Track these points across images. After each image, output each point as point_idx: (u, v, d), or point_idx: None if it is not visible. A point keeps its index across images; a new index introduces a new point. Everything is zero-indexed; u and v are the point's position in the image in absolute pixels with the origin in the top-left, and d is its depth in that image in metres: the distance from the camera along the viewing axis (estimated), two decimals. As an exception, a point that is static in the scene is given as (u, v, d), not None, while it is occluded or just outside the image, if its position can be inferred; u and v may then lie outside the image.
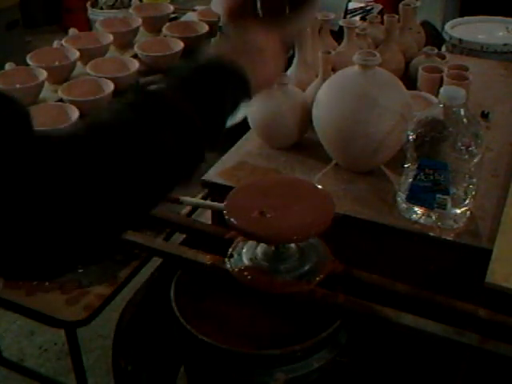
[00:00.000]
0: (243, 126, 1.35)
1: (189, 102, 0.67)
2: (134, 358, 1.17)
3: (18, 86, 1.59)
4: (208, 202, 1.23)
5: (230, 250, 1.06)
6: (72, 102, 1.50)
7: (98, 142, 0.60)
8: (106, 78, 1.59)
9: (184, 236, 1.20)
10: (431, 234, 1.10)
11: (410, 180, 1.09)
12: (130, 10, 2.09)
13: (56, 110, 1.48)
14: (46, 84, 1.63)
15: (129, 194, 0.61)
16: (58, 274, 0.62)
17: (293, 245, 1.04)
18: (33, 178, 0.55)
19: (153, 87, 0.69)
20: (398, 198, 1.15)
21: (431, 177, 1.06)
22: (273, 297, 1.02)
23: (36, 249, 0.56)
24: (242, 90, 0.76)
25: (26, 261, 0.57)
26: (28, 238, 0.55)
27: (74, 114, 1.44)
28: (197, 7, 2.17)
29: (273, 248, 1.03)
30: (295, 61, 1.45)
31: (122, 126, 0.63)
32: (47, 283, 1.14)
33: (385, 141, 1.18)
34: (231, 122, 0.78)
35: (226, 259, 1.04)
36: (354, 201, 1.19)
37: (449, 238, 1.09)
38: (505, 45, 1.83)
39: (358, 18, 2.09)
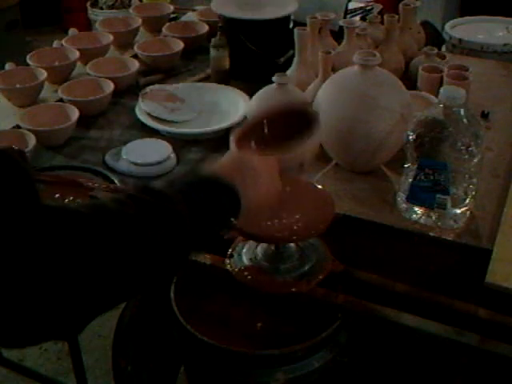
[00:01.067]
0: (243, 126, 1.35)
1: (184, 209, 0.72)
2: (134, 358, 1.17)
3: (17, 85, 1.59)
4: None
5: (230, 250, 1.06)
6: (72, 102, 1.49)
7: (98, 224, 0.63)
8: (105, 77, 1.59)
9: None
10: (431, 233, 1.10)
11: (410, 180, 1.09)
12: (130, 10, 2.09)
13: (56, 110, 1.48)
14: (46, 84, 1.63)
15: (114, 277, 0.63)
16: (33, 342, 0.63)
17: (293, 245, 1.04)
18: (34, 246, 0.57)
19: (156, 187, 0.74)
20: (398, 198, 1.15)
21: (431, 177, 1.06)
22: (273, 297, 1.02)
23: (28, 315, 0.57)
24: (232, 207, 0.81)
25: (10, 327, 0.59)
26: (19, 303, 0.57)
27: (74, 114, 1.44)
28: (197, 7, 2.17)
29: (273, 248, 1.03)
30: (295, 61, 1.45)
31: (121, 214, 0.66)
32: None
33: (385, 141, 1.18)
34: (220, 232, 0.84)
35: (226, 259, 1.04)
36: (354, 201, 1.19)
37: (449, 238, 1.09)
38: (505, 45, 1.83)
39: (358, 17, 2.09)
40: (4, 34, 3.44)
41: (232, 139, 0.98)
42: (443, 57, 1.59)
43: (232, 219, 0.82)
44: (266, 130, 0.98)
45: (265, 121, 0.99)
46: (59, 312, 0.59)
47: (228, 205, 0.80)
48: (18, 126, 1.41)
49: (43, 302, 0.57)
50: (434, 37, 1.98)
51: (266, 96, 1.31)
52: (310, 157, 1.14)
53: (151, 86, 1.56)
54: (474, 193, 1.10)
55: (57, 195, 1.17)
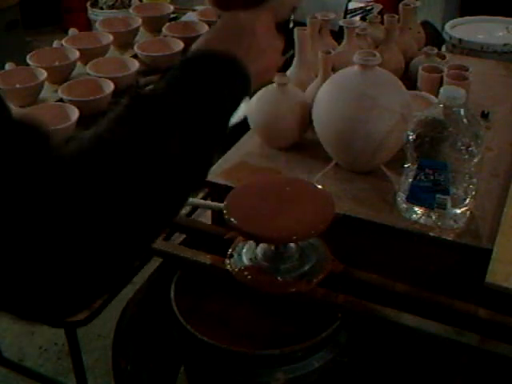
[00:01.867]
0: (243, 126, 1.35)
1: (189, 104, 0.63)
2: (134, 357, 1.17)
3: (17, 85, 1.59)
4: (208, 202, 1.23)
5: (230, 250, 1.06)
6: (72, 102, 1.49)
7: (105, 158, 0.57)
8: (105, 77, 1.59)
9: (184, 236, 1.20)
10: (431, 233, 1.10)
11: (410, 180, 1.09)
12: (130, 10, 2.09)
13: (56, 110, 1.48)
14: (46, 84, 1.63)
15: (143, 208, 0.57)
16: (72, 310, 0.56)
17: (293, 245, 1.04)
18: (46, 200, 0.52)
19: (149, 89, 0.65)
20: (398, 198, 1.15)
21: (431, 177, 1.06)
22: (273, 297, 1.02)
23: (51, 274, 0.52)
24: (241, 82, 0.68)
25: (42, 292, 0.53)
26: (42, 262, 0.51)
27: (74, 114, 1.44)
28: (197, 7, 2.17)
29: (273, 248, 1.03)
30: (295, 61, 1.45)
31: (126, 136, 0.59)
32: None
33: (385, 141, 1.18)
34: (232, 119, 0.70)
35: (226, 259, 1.04)
36: (354, 201, 1.19)
37: (449, 238, 1.09)
38: (505, 45, 1.83)
39: (358, 17, 2.09)
40: (4, 34, 3.44)
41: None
42: (443, 57, 1.59)
43: (244, 95, 0.69)
44: None
45: None
46: (91, 259, 0.53)
47: (234, 80, 0.67)
48: (17, 126, 1.40)
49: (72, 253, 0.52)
50: (434, 37, 1.98)
51: (266, 96, 1.31)
52: None
53: (151, 86, 1.56)
54: (474, 193, 1.10)
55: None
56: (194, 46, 0.71)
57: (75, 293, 0.54)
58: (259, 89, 1.24)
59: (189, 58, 0.68)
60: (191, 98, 0.63)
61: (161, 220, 0.61)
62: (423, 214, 1.11)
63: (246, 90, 0.70)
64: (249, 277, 1.01)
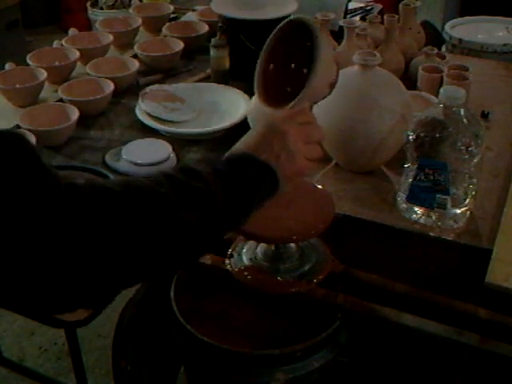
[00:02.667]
0: (243, 126, 1.35)
1: (218, 189, 0.71)
2: (134, 357, 1.17)
3: (17, 86, 1.59)
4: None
5: (230, 250, 1.06)
6: (72, 102, 1.49)
7: (131, 202, 0.63)
8: (106, 77, 1.59)
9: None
10: (431, 234, 1.10)
11: (410, 180, 1.09)
12: (130, 10, 2.09)
13: (56, 110, 1.48)
14: (46, 84, 1.63)
15: (144, 254, 0.64)
16: (60, 310, 0.66)
17: (293, 245, 1.04)
18: (56, 224, 0.57)
19: (192, 167, 0.72)
20: (398, 198, 1.15)
21: (431, 177, 1.06)
22: (273, 297, 1.02)
23: (47, 287, 0.59)
24: (269, 185, 0.78)
25: (38, 296, 0.60)
26: (44, 275, 0.58)
27: (74, 114, 1.44)
28: (197, 7, 2.17)
29: (273, 248, 1.03)
30: (295, 61, 1.45)
31: (154, 192, 0.65)
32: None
33: (385, 141, 1.18)
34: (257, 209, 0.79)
35: (226, 259, 1.04)
36: (354, 201, 1.19)
37: (449, 238, 1.09)
38: (505, 45, 1.83)
39: (357, 17, 2.09)
40: (4, 34, 3.44)
41: (257, 95, 0.90)
42: (443, 57, 1.60)
43: (271, 193, 0.79)
44: (277, 73, 0.90)
45: (271, 66, 0.92)
46: (89, 282, 0.60)
47: (264, 182, 0.77)
48: (18, 126, 1.41)
49: (72, 273, 0.58)
50: (434, 37, 1.98)
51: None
52: (335, 70, 0.93)
53: (151, 86, 1.56)
54: (473, 193, 1.10)
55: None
56: (236, 147, 0.81)
57: (67, 295, 0.61)
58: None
59: (231, 157, 0.78)
60: (227, 191, 0.72)
61: (147, 268, 0.67)
62: (423, 214, 1.11)
63: (272, 191, 0.79)
64: (249, 277, 1.01)
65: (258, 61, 0.92)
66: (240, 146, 0.81)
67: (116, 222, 0.61)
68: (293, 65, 0.91)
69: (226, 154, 0.79)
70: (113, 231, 0.60)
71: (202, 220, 0.68)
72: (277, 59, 0.92)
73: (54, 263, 0.57)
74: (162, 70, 1.74)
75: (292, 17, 0.92)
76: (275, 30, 0.91)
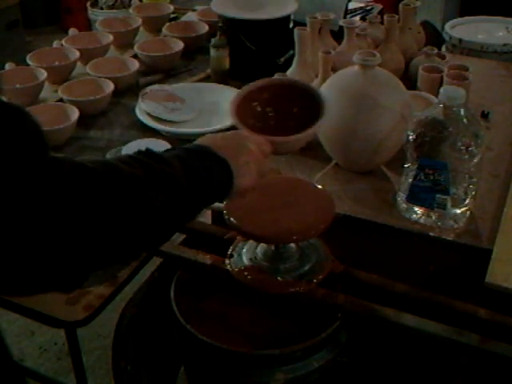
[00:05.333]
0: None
1: (181, 174, 0.74)
2: (134, 357, 1.17)
3: (17, 86, 1.59)
4: (208, 202, 1.23)
5: (230, 250, 1.06)
6: (72, 102, 1.49)
7: (109, 183, 0.65)
8: (105, 77, 1.59)
9: (184, 236, 1.20)
10: (431, 234, 1.10)
11: (410, 180, 1.09)
12: (130, 10, 2.09)
13: (56, 110, 1.48)
14: (46, 84, 1.63)
15: (120, 234, 0.67)
16: (34, 290, 0.66)
17: (293, 245, 1.04)
18: (40, 198, 0.58)
19: (156, 152, 0.76)
20: (398, 198, 1.15)
21: (431, 177, 1.06)
22: (273, 297, 1.02)
23: (30, 263, 0.60)
24: (225, 182, 0.81)
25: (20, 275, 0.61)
26: (26, 250, 0.58)
27: (74, 114, 1.44)
28: (197, 7, 2.17)
29: (273, 248, 1.03)
30: (295, 61, 1.45)
31: (132, 176, 0.68)
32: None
33: (385, 141, 1.18)
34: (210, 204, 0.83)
35: (226, 259, 1.04)
36: (354, 201, 1.19)
37: (449, 238, 1.09)
38: (505, 45, 1.83)
39: (358, 17, 2.09)
40: (4, 34, 3.44)
41: (231, 105, 0.94)
42: (443, 57, 1.60)
43: (223, 194, 0.82)
44: (266, 106, 0.95)
45: (266, 94, 0.96)
46: (64, 261, 0.61)
47: (221, 178, 0.80)
48: (17, 126, 1.40)
49: (50, 250, 0.59)
50: (434, 37, 1.98)
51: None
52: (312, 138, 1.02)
53: (151, 86, 1.56)
54: (473, 193, 1.10)
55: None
56: (200, 140, 0.85)
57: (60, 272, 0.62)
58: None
59: (194, 147, 0.81)
60: (188, 176, 0.75)
61: (120, 246, 0.69)
62: (423, 214, 1.11)
63: (226, 191, 0.82)
64: (249, 277, 1.01)
65: (251, 85, 0.96)
66: (205, 140, 0.85)
67: (97, 200, 0.63)
68: (282, 108, 0.96)
69: (189, 144, 0.83)
70: (92, 209, 0.62)
71: (169, 200, 0.71)
72: (269, 96, 0.96)
73: (30, 237, 0.58)
74: (162, 70, 1.74)
75: (298, 80, 1.02)
76: (285, 79, 1.01)
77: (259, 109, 0.95)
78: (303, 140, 0.95)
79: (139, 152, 0.75)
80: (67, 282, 0.65)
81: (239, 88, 1.54)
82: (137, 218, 0.67)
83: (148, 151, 0.75)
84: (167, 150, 0.81)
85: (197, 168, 0.76)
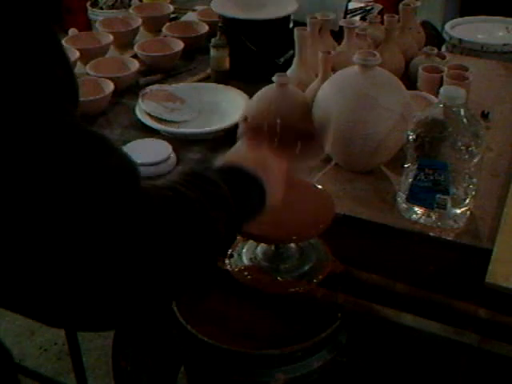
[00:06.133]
0: (243, 126, 1.35)
1: (228, 193, 0.73)
2: (134, 357, 1.17)
3: (17, 85, 1.59)
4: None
5: (230, 249, 1.06)
6: (72, 102, 1.49)
7: (187, 214, 0.64)
8: (105, 77, 1.59)
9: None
10: (431, 234, 1.10)
11: (410, 180, 1.09)
12: (130, 10, 2.09)
13: (56, 110, 1.48)
14: (46, 84, 1.63)
15: (185, 257, 0.64)
16: (107, 326, 0.65)
17: (293, 245, 1.04)
18: (132, 236, 0.56)
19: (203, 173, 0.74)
20: (398, 198, 1.15)
21: (431, 177, 1.06)
22: (273, 297, 1.02)
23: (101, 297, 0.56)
24: (260, 200, 0.80)
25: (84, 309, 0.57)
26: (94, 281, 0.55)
27: (74, 114, 1.44)
28: (197, 7, 2.17)
29: (273, 248, 1.03)
30: (295, 61, 1.45)
31: (192, 200, 0.66)
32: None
33: (385, 141, 1.18)
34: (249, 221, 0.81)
35: (226, 259, 1.04)
36: (354, 201, 1.19)
37: (449, 238, 1.09)
38: (505, 45, 1.83)
39: (358, 17, 2.09)
40: (4, 34, 3.43)
41: (243, 131, 0.97)
42: (443, 57, 1.60)
43: (259, 212, 0.81)
44: (277, 130, 0.97)
45: (278, 120, 0.99)
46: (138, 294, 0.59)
47: (260, 197, 0.80)
48: (18, 126, 1.40)
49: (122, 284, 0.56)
50: (434, 37, 1.98)
51: (266, 96, 1.31)
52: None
53: (151, 86, 1.56)
54: (473, 193, 1.10)
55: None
56: (228, 158, 0.85)
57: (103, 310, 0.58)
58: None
59: (230, 165, 0.81)
60: (233, 195, 0.74)
61: (192, 275, 0.67)
62: (423, 214, 1.11)
63: (260, 209, 0.81)
64: (249, 277, 1.01)
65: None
66: (233, 158, 0.85)
67: (183, 233, 0.62)
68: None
69: (223, 163, 0.82)
70: (173, 241, 0.61)
71: (227, 222, 0.70)
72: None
73: (114, 266, 0.55)
74: (162, 70, 1.74)
75: None
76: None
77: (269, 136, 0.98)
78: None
79: (186, 174, 0.73)
80: (136, 315, 0.63)
81: (239, 88, 1.56)
82: (207, 244, 0.66)
83: (194, 173, 0.73)
84: (202, 171, 0.78)
85: (239, 188, 0.75)
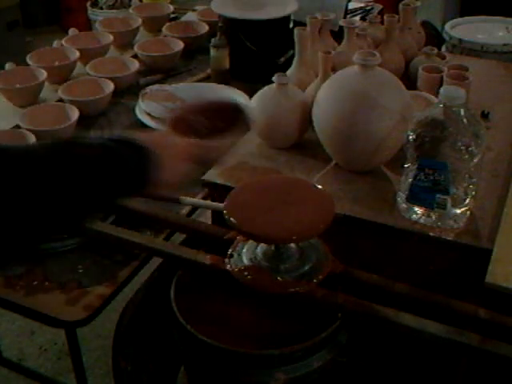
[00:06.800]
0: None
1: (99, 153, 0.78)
2: (134, 358, 1.17)
3: (17, 85, 1.59)
4: (208, 202, 1.23)
5: (230, 250, 1.06)
6: (72, 102, 1.50)
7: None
8: (105, 78, 1.59)
9: (184, 236, 1.20)
10: (431, 234, 1.10)
11: (410, 180, 1.09)
12: (130, 10, 2.09)
13: (56, 110, 1.48)
14: (46, 84, 1.63)
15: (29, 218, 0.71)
16: None
17: (293, 245, 1.04)
18: None
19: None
20: (398, 198, 1.15)
21: (431, 177, 1.06)
22: (273, 297, 1.02)
23: None
24: (145, 169, 0.82)
25: None
26: None
27: (74, 114, 1.44)
28: (197, 7, 2.17)
29: (273, 248, 1.03)
30: (295, 61, 1.45)
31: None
32: (47, 283, 1.15)
33: (385, 141, 1.18)
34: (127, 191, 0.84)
35: (226, 259, 1.04)
36: (354, 201, 1.19)
37: (449, 238, 1.09)
38: (505, 45, 1.83)
39: (357, 17, 2.09)
40: (4, 34, 3.44)
41: (168, 120, 1.00)
42: (443, 57, 1.60)
43: (140, 181, 0.83)
44: (201, 119, 1.00)
45: (199, 113, 1.01)
46: None
47: (141, 164, 0.82)
48: (18, 126, 1.41)
49: None
50: (434, 37, 1.99)
51: (266, 96, 1.31)
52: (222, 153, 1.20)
53: (151, 86, 1.57)
54: (473, 193, 1.10)
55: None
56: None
57: None
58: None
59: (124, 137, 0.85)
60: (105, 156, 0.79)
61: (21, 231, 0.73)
62: (423, 214, 1.11)
63: (142, 177, 0.83)
64: (249, 277, 1.01)
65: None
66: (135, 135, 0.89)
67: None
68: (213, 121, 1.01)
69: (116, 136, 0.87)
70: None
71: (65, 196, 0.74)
72: (203, 115, 1.01)
73: None
74: (162, 70, 1.74)
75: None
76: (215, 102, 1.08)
77: (192, 124, 1.00)
78: (225, 147, 1.07)
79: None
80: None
81: (239, 88, 1.56)
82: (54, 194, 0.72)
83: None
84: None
85: (114, 150, 0.80)
